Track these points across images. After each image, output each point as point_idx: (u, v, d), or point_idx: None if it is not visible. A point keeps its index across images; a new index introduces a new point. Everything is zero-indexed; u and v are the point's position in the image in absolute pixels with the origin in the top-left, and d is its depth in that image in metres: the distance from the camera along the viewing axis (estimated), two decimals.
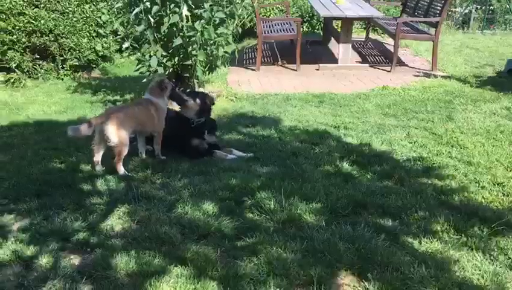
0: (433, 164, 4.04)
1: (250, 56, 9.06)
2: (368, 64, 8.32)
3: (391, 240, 2.84)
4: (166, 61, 6.06)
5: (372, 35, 10.30)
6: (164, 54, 5.94)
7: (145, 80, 6.24)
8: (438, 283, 2.46)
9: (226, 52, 6.14)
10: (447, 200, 3.38)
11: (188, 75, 6.27)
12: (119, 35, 6.45)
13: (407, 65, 8.32)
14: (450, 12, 11.30)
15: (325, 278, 2.50)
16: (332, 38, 9.35)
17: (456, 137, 4.66)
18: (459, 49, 9.40)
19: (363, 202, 3.29)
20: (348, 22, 7.97)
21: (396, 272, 2.54)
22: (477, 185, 3.63)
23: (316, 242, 2.80)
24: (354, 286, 2.47)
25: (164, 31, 5.77)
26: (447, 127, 5.01)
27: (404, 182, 3.66)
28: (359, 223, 3.02)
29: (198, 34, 5.65)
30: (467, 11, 12.22)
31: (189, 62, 5.94)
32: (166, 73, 6.22)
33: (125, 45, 6.27)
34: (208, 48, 5.94)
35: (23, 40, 8.02)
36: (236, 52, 6.46)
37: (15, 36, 7.90)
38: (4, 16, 7.86)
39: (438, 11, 7.89)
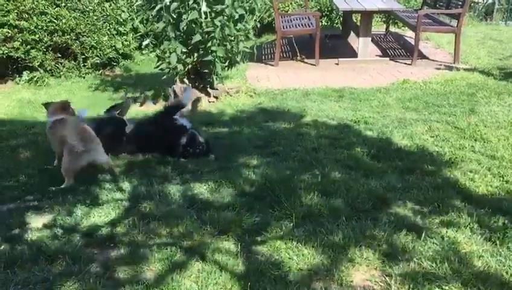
0: (456, 158, 3.98)
1: (268, 51, 9.04)
2: (388, 58, 8.22)
3: (413, 235, 2.82)
4: (185, 58, 6.10)
5: (392, 28, 10.18)
6: (184, 50, 5.97)
7: (165, 76, 6.29)
8: (461, 278, 2.43)
9: (245, 47, 6.15)
10: (471, 194, 3.33)
11: (207, 71, 6.30)
12: (139, 32, 6.52)
13: (428, 58, 8.20)
14: (472, 4, 11.06)
15: (346, 274, 2.49)
16: (351, 32, 9.27)
17: (479, 131, 4.58)
18: (482, 41, 9.21)
19: (384, 197, 3.27)
20: (367, 15, 7.89)
21: (418, 267, 2.52)
22: (501, 179, 3.57)
23: (336, 237, 2.79)
24: (375, 282, 2.46)
25: (183, 28, 5.80)
26: (470, 120, 4.92)
27: (425, 176, 3.61)
28: (380, 218, 3.00)
29: (218, 29, 5.67)
30: (490, 2, 11.95)
31: (208, 58, 5.96)
32: (186, 70, 6.26)
33: (145, 42, 6.33)
34: (228, 44, 5.95)
35: (46, 39, 8.15)
36: (255, 48, 6.45)
37: (37, 35, 8.04)
38: (27, 16, 8.00)
39: (460, 3, 7.75)
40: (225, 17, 5.74)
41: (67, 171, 3.64)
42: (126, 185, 3.61)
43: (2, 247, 2.80)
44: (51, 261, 2.68)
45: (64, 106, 4.02)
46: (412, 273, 2.47)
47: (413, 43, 8.07)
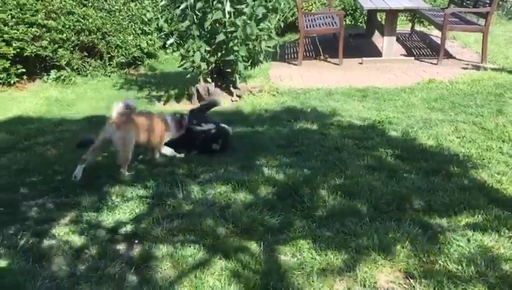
0: (483, 159, 3.90)
1: (292, 51, 9.02)
2: (413, 57, 8.11)
3: (438, 237, 2.78)
4: (209, 57, 6.14)
5: (417, 27, 10.04)
6: (207, 49, 6.01)
7: (188, 75, 6.34)
8: (488, 282, 2.38)
9: (268, 46, 6.16)
10: (498, 197, 3.26)
11: (230, 70, 6.33)
12: (164, 32, 6.59)
13: (454, 57, 8.06)
14: (500, 2, 10.82)
15: (370, 275, 2.47)
16: (376, 31, 9.18)
17: (507, 132, 4.48)
18: (510, 40, 9.00)
19: (408, 198, 3.23)
20: (392, 14, 7.79)
21: (443, 270, 2.48)
22: None
23: (359, 238, 2.77)
24: (399, 284, 2.43)
25: (207, 27, 5.84)
26: (498, 121, 4.82)
27: (451, 178, 3.55)
28: (404, 219, 2.97)
29: (240, 29, 5.69)
30: None
31: (231, 57, 5.99)
32: (209, 69, 6.29)
33: (170, 41, 6.40)
34: (250, 43, 5.96)
35: (73, 38, 8.31)
36: (278, 47, 6.44)
37: (65, 35, 8.20)
38: (55, 15, 8.17)
39: (488, 1, 7.59)
40: (247, 17, 5.75)
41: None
42: (150, 183, 3.65)
43: (31, 241, 2.87)
44: (77, 256, 2.74)
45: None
46: (437, 276, 2.44)
47: (439, 42, 7.94)
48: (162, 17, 6.49)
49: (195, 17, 5.84)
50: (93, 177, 3.78)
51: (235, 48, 5.88)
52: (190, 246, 2.76)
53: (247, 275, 2.50)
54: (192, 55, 6.00)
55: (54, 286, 2.49)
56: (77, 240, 2.90)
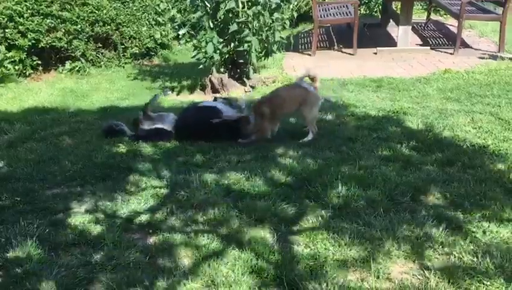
0: (500, 150, 3.85)
1: (305, 41, 8.96)
2: (429, 47, 8.00)
3: (453, 229, 2.75)
4: (222, 48, 6.12)
5: (433, 16, 9.89)
6: (220, 40, 6.00)
7: (201, 66, 6.34)
8: (504, 274, 2.36)
9: (281, 37, 6.12)
10: None
11: (243, 61, 6.31)
12: (176, 22, 6.59)
13: (471, 47, 7.93)
14: None
15: (384, 266, 2.46)
16: (391, 20, 9.07)
17: None
18: None
19: (423, 189, 3.20)
20: (408, 2, 7.69)
21: (458, 262, 2.46)
22: None
23: (373, 229, 2.76)
24: (413, 275, 2.42)
25: (220, 17, 5.82)
26: None
27: (467, 169, 3.51)
28: (419, 210, 2.95)
29: (253, 19, 5.66)
30: None
31: (245, 47, 5.96)
32: (222, 59, 6.28)
33: (182, 31, 6.40)
34: (263, 34, 5.93)
35: (87, 29, 8.34)
36: (291, 37, 6.39)
37: (79, 26, 8.23)
38: (69, 7, 8.20)
39: None
40: (260, 7, 5.72)
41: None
42: (164, 173, 3.67)
43: (47, 230, 2.91)
44: (92, 246, 2.77)
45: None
46: (452, 268, 2.42)
47: (455, 31, 7.82)
48: (174, 7, 6.48)
49: (207, 7, 5.82)
50: (108, 168, 3.80)
51: (248, 38, 5.85)
52: (204, 236, 2.78)
53: (260, 265, 2.51)
54: (205, 46, 6.00)
55: (70, 274, 2.52)
56: (93, 229, 2.93)
